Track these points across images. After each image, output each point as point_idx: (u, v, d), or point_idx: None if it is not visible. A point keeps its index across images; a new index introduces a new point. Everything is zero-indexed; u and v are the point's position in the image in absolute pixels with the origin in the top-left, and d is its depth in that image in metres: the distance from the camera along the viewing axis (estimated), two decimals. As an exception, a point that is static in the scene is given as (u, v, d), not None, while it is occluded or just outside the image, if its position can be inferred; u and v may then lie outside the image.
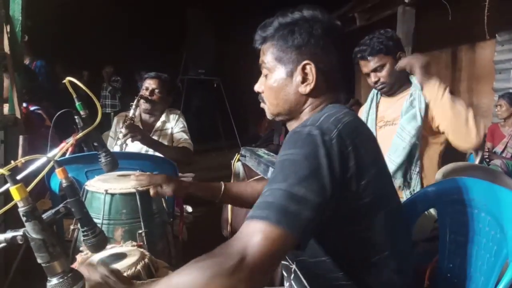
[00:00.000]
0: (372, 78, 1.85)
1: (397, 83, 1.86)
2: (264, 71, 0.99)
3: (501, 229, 0.93)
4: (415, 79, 1.83)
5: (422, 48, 4.50)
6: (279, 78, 0.95)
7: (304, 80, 0.93)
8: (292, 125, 1.00)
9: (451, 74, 5.25)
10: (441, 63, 5.35)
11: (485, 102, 4.80)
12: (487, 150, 3.56)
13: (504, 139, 3.76)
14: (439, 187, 1.19)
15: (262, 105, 1.04)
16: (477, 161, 2.14)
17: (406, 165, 1.75)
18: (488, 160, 3.53)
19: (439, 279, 1.11)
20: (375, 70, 1.83)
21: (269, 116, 1.02)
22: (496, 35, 4.29)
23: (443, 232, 1.12)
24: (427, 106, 1.75)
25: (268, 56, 0.96)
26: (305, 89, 0.93)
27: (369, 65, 1.83)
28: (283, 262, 0.97)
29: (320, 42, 0.92)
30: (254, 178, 2.22)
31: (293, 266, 0.94)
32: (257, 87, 1.02)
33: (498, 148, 3.79)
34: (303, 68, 0.92)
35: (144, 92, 2.30)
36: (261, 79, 1.01)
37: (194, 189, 1.25)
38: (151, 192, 1.17)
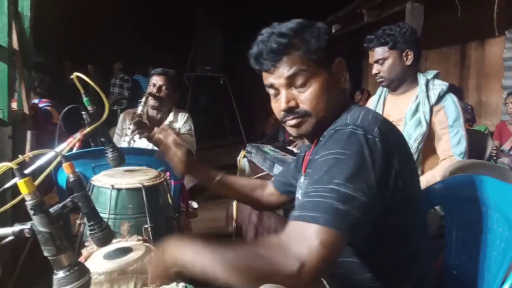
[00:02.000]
0: (374, 70, 1.87)
1: (398, 80, 1.85)
2: (299, 82, 0.90)
3: (509, 227, 0.92)
4: (422, 79, 1.81)
5: (431, 45, 4.47)
6: (325, 81, 0.91)
7: (340, 76, 0.95)
8: (319, 132, 0.94)
9: (460, 72, 5.20)
10: (449, 61, 5.30)
11: (494, 99, 4.75)
12: (494, 148, 3.52)
13: None
14: (446, 184, 1.18)
15: (294, 121, 0.93)
16: (485, 159, 2.12)
17: None
18: (495, 158, 3.50)
19: (446, 276, 1.10)
20: (377, 61, 1.84)
21: (311, 127, 0.93)
22: (506, 32, 4.24)
23: (450, 229, 1.11)
24: (431, 110, 1.74)
25: (302, 64, 0.89)
26: (345, 84, 0.95)
27: (372, 55, 1.84)
28: None
29: (330, 41, 0.93)
30: (260, 174, 2.22)
31: None
32: (289, 104, 0.92)
33: (506, 146, 3.75)
34: (338, 64, 0.94)
35: (151, 89, 2.30)
36: (288, 94, 0.92)
37: (196, 170, 1.26)
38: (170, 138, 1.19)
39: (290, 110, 0.93)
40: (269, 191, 1.33)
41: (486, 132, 3.86)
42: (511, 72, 4.36)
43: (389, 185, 0.80)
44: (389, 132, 0.84)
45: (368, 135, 0.79)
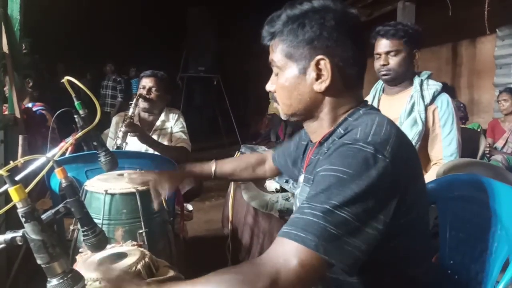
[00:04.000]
0: (382, 61, 1.80)
1: (401, 78, 1.83)
2: (274, 70, 0.91)
3: (502, 226, 0.92)
4: (417, 80, 1.82)
5: (422, 43, 4.48)
6: (291, 77, 0.87)
7: (318, 77, 0.84)
8: (310, 125, 0.93)
9: (452, 70, 5.23)
10: (441, 59, 5.34)
11: (486, 97, 4.79)
12: (488, 145, 3.55)
13: (505, 134, 3.75)
14: (439, 183, 1.19)
15: (275, 105, 0.98)
16: (478, 157, 2.14)
17: None
18: (489, 155, 3.52)
19: (440, 275, 1.11)
20: (389, 52, 1.78)
21: (283, 116, 0.95)
22: (497, 30, 4.28)
23: (444, 228, 1.11)
24: (426, 109, 1.75)
25: (278, 53, 0.88)
26: (320, 86, 0.85)
27: (387, 44, 1.78)
28: None
29: (333, 35, 0.83)
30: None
31: None
32: (269, 87, 0.94)
33: (499, 144, 3.78)
34: (317, 64, 0.84)
35: (141, 91, 2.29)
36: (272, 77, 0.93)
37: (188, 175, 1.26)
38: (155, 206, 1.15)
39: (269, 92, 0.96)
40: (270, 167, 1.34)
41: (478, 130, 3.89)
42: (503, 70, 4.39)
43: (391, 211, 0.73)
44: (402, 148, 0.77)
45: (378, 154, 0.72)
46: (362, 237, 0.69)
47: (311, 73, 0.85)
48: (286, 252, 0.67)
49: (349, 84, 0.88)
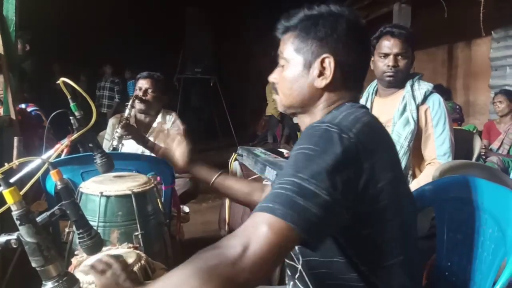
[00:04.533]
0: (391, 62, 1.76)
1: (404, 80, 1.83)
2: (281, 61, 0.96)
3: (499, 228, 0.93)
4: (408, 82, 1.83)
5: (418, 45, 4.50)
6: (296, 69, 0.93)
7: (321, 73, 0.90)
8: (303, 119, 0.98)
9: (448, 72, 5.25)
10: (437, 60, 5.36)
11: (481, 99, 4.81)
12: (483, 147, 3.56)
13: (500, 136, 3.76)
14: (436, 185, 1.19)
15: (274, 96, 1.02)
16: (474, 159, 2.15)
17: (403, 169, 1.75)
18: (484, 157, 3.54)
19: (437, 277, 1.11)
20: (398, 54, 1.76)
21: (280, 108, 1.00)
22: (492, 32, 4.30)
23: (441, 230, 1.12)
24: (417, 108, 1.76)
25: (288, 46, 0.94)
26: (321, 83, 0.91)
27: (397, 46, 1.75)
28: (288, 261, 0.96)
29: (342, 38, 0.90)
30: (252, 177, 2.22)
31: (299, 266, 0.93)
32: (272, 78, 1.00)
33: (494, 145, 3.80)
34: (322, 61, 0.90)
35: (137, 93, 2.29)
36: (277, 69, 0.99)
37: (195, 167, 1.25)
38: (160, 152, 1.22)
39: (273, 83, 1.00)
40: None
41: (474, 131, 3.90)
42: (498, 71, 4.42)
43: (364, 189, 0.77)
44: (371, 136, 0.81)
45: (342, 134, 0.76)
46: (329, 210, 0.72)
47: (315, 69, 0.91)
48: (257, 221, 0.70)
49: (348, 86, 0.93)
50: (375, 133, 0.85)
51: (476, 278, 0.96)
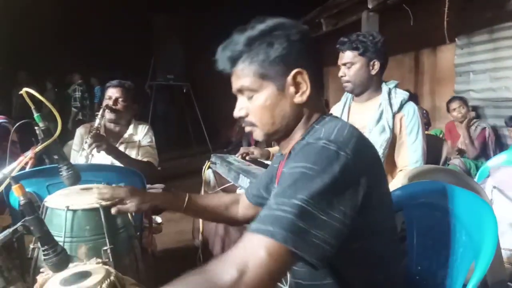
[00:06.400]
0: (340, 72, 1.89)
1: (361, 87, 1.89)
2: (245, 94, 0.92)
3: (466, 232, 0.95)
4: (385, 88, 1.88)
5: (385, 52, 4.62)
6: (270, 95, 0.88)
7: (297, 90, 0.88)
8: (284, 145, 0.95)
9: (414, 78, 5.42)
10: (404, 67, 5.52)
11: (447, 103, 4.98)
12: (458, 148, 3.70)
13: (461, 139, 3.87)
14: (405, 191, 1.21)
15: (248, 128, 0.96)
16: (441, 163, 2.22)
17: None
18: (460, 156, 3.66)
19: (408, 281, 1.12)
20: (345, 64, 1.86)
21: (261, 137, 0.95)
22: (456, 39, 4.46)
23: (411, 235, 1.14)
24: (393, 116, 1.81)
25: (247, 78, 0.89)
26: (302, 98, 0.88)
27: (342, 57, 1.87)
28: None
29: (301, 48, 0.88)
30: (225, 185, 2.20)
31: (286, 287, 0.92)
32: (238, 113, 0.94)
33: (455, 147, 3.90)
34: (294, 77, 0.87)
35: (107, 102, 2.23)
36: (240, 103, 0.94)
37: (159, 201, 1.19)
38: (113, 210, 1.09)
39: (240, 118, 0.95)
40: (244, 205, 1.27)
41: (441, 135, 4.04)
42: (462, 77, 4.58)
43: (356, 207, 0.75)
44: (364, 150, 0.80)
45: (340, 151, 0.75)
46: (329, 230, 0.71)
47: (290, 88, 0.88)
48: (254, 245, 0.67)
49: (318, 95, 0.93)
50: (367, 146, 0.84)
51: (446, 282, 0.98)
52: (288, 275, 0.91)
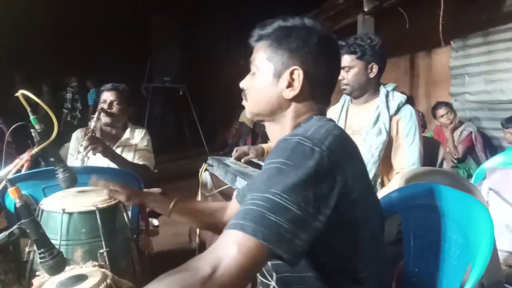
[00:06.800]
0: (339, 76, 1.88)
1: (360, 90, 1.90)
2: (253, 68, 0.98)
3: (463, 234, 0.95)
4: (383, 91, 1.88)
5: (382, 55, 4.64)
6: (265, 78, 0.94)
7: (289, 85, 0.92)
8: (271, 127, 0.99)
9: (410, 80, 5.44)
10: (399, 69, 5.54)
11: (442, 106, 5.00)
12: (455, 153, 3.73)
13: (448, 143, 3.91)
14: (401, 193, 1.21)
15: (243, 102, 1.02)
16: (437, 165, 2.22)
17: (372, 177, 1.79)
18: (456, 159, 3.69)
19: (406, 283, 1.13)
20: (343, 68, 1.86)
21: (248, 114, 1.00)
22: (451, 42, 4.49)
23: (408, 237, 1.14)
24: (390, 120, 1.81)
25: (260, 54, 0.95)
26: (289, 94, 0.92)
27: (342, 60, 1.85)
28: (261, 278, 0.95)
29: (313, 51, 0.91)
30: (222, 187, 2.19)
31: (272, 283, 0.92)
32: (243, 84, 1.01)
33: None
34: (291, 73, 0.91)
35: (102, 105, 2.23)
36: (248, 76, 0.99)
37: (147, 200, 1.23)
38: (104, 192, 1.17)
39: (242, 89, 1.01)
40: (234, 209, 1.26)
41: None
42: (458, 79, 4.61)
43: (331, 204, 0.76)
44: (342, 148, 0.81)
45: (315, 147, 0.76)
46: (301, 225, 0.71)
47: (284, 80, 0.92)
48: (227, 240, 0.68)
49: (315, 98, 0.95)
50: (346, 145, 0.86)
51: (443, 284, 0.98)
52: (273, 272, 0.91)
